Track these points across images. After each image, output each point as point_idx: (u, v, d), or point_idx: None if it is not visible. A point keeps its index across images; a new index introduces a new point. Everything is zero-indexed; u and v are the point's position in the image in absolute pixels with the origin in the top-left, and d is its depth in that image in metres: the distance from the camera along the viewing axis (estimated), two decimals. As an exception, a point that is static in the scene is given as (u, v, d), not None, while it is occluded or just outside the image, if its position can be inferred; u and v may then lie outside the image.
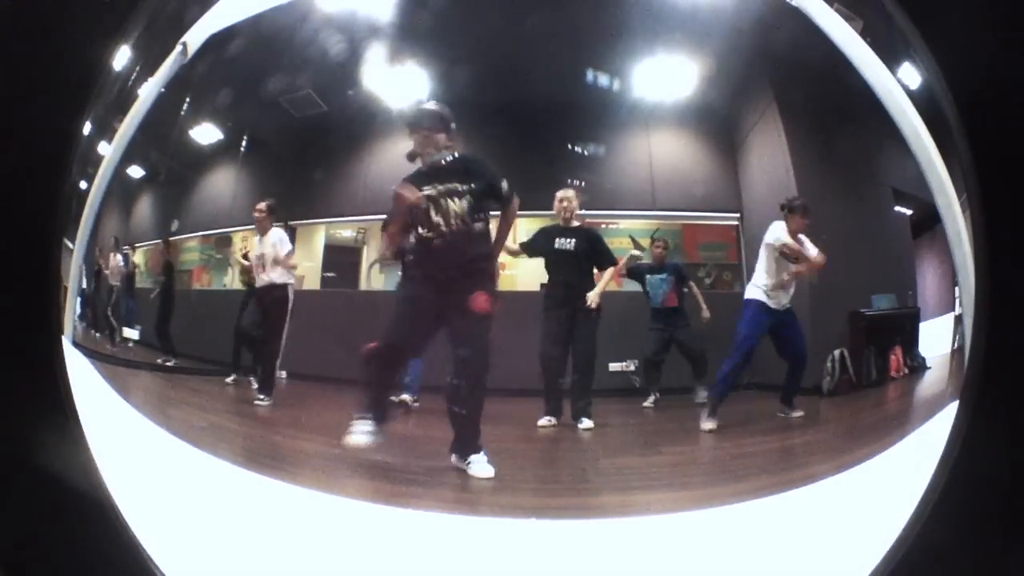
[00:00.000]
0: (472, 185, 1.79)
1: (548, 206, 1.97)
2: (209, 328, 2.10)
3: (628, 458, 1.84)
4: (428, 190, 1.77)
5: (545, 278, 2.00)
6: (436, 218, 1.77)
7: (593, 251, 1.99)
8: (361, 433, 1.69)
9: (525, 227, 1.99)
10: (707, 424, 1.79)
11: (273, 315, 1.98)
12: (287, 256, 2.00)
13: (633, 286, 2.05)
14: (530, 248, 1.97)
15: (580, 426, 1.82)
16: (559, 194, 1.93)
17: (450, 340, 1.79)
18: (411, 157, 1.78)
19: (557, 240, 1.97)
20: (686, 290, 2.00)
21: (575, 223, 1.97)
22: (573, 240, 1.98)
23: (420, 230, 1.78)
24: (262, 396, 1.94)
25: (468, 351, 1.76)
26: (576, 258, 1.99)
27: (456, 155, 1.79)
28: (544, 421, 1.87)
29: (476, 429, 1.73)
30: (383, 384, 1.79)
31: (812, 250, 1.84)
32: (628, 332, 2.01)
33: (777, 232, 1.86)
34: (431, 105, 1.76)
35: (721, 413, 1.83)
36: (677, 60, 1.78)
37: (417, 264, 1.83)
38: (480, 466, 1.69)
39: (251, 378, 1.99)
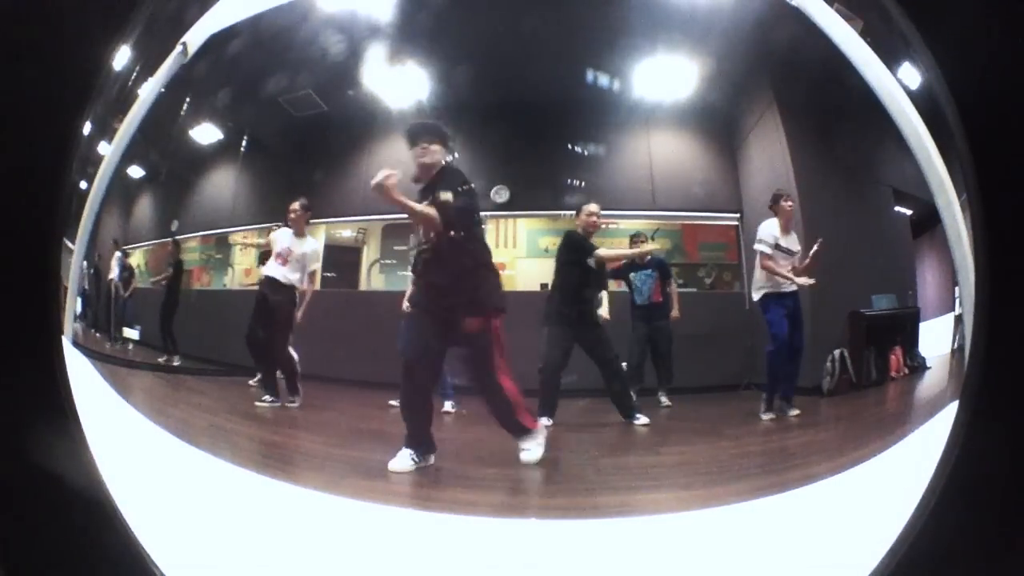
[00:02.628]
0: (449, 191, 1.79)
1: (547, 206, 1.97)
2: (209, 328, 2.10)
3: (628, 458, 1.84)
4: (426, 204, 1.79)
5: (543, 279, 2.00)
6: (429, 233, 1.80)
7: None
8: (405, 459, 1.71)
9: (526, 227, 1.99)
10: (766, 416, 1.84)
11: (282, 315, 2.00)
12: (314, 271, 2.05)
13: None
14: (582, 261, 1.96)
15: (637, 423, 1.86)
16: (589, 207, 1.89)
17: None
18: (416, 180, 1.80)
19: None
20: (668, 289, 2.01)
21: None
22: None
23: (414, 241, 1.83)
24: (292, 398, 1.95)
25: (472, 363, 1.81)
26: (596, 272, 1.99)
27: (444, 163, 1.81)
28: (543, 422, 1.87)
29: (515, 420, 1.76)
30: (416, 410, 1.80)
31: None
32: (626, 332, 2.01)
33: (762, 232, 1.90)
34: (428, 120, 1.78)
35: (719, 414, 1.84)
36: (677, 60, 1.78)
37: (418, 274, 1.87)
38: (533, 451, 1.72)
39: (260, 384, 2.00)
